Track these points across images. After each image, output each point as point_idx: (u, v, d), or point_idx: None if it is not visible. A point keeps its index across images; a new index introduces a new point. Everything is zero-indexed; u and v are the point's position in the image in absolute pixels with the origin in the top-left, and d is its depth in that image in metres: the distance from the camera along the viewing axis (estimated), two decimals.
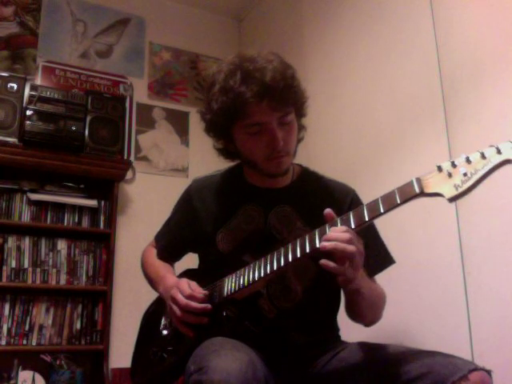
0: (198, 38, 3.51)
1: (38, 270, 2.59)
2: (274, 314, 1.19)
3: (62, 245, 2.69)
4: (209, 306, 1.12)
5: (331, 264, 0.94)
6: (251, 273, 1.10)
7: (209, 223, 1.29)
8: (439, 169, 0.85)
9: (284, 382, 1.14)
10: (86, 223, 2.77)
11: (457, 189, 0.81)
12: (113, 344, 2.64)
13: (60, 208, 2.71)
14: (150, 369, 1.25)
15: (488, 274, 1.57)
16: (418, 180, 0.87)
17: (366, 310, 1.14)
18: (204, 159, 2.98)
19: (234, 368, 0.87)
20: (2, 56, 2.87)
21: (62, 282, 2.63)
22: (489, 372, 0.92)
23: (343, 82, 2.42)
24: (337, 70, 2.47)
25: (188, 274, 1.31)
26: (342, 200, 1.25)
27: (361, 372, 1.05)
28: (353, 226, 0.95)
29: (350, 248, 0.92)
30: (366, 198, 1.17)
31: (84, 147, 2.68)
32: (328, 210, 0.99)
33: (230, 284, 1.14)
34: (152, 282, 1.36)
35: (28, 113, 2.58)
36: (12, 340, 2.46)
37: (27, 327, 2.51)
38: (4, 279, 2.50)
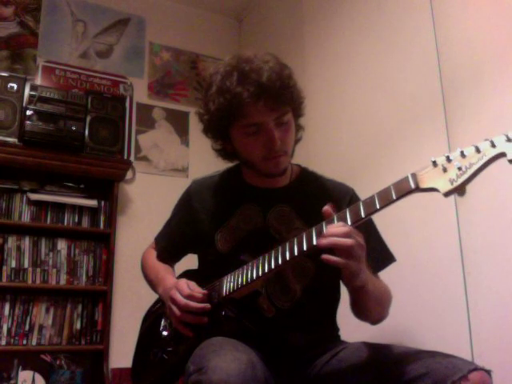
0: (198, 38, 3.51)
1: (38, 270, 2.59)
2: (273, 314, 1.19)
3: (62, 245, 2.69)
4: (208, 305, 1.12)
5: (332, 258, 0.94)
6: (249, 272, 1.10)
7: (208, 223, 1.29)
8: (434, 164, 0.85)
9: (283, 381, 1.14)
10: (85, 223, 2.77)
11: (452, 183, 0.81)
12: (113, 344, 2.64)
13: (60, 208, 2.71)
14: (150, 369, 1.25)
15: (488, 274, 1.57)
16: (414, 175, 0.87)
17: (373, 308, 1.13)
18: (204, 159, 2.97)
19: (233, 368, 0.87)
20: (2, 56, 2.87)
21: (62, 282, 2.63)
22: (489, 372, 0.92)
23: (343, 81, 2.41)
24: (337, 70, 2.47)
25: (187, 274, 1.31)
26: (341, 199, 1.25)
27: (360, 372, 1.05)
28: (349, 223, 0.95)
29: (348, 241, 0.92)
30: (365, 197, 1.17)
31: (84, 147, 2.69)
32: (326, 207, 1.00)
33: (228, 283, 1.14)
34: (152, 283, 1.36)
35: (28, 113, 2.58)
36: (12, 340, 2.47)
37: (27, 327, 2.51)
38: (4, 279, 2.50)
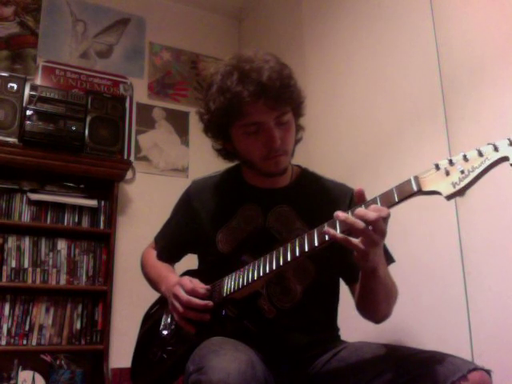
0: (197, 38, 3.51)
1: (38, 270, 2.59)
2: (274, 314, 1.19)
3: (62, 245, 2.69)
4: (210, 302, 1.12)
5: (335, 233, 0.92)
6: (250, 272, 1.10)
7: (208, 224, 1.29)
8: (437, 167, 0.85)
9: (284, 381, 1.14)
10: (85, 223, 2.77)
11: (454, 186, 0.81)
12: (113, 344, 2.65)
13: (60, 208, 2.72)
14: (150, 369, 1.25)
15: (488, 274, 1.57)
16: (416, 178, 0.87)
17: (382, 300, 1.11)
18: (204, 159, 2.97)
19: (233, 368, 0.87)
20: (2, 56, 2.87)
21: (62, 282, 2.64)
22: (488, 372, 0.92)
23: (343, 81, 2.41)
24: (337, 70, 2.47)
25: (188, 274, 1.30)
26: (342, 200, 1.25)
27: (360, 372, 1.05)
28: None
29: (359, 223, 0.89)
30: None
31: (84, 147, 2.69)
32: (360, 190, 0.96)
33: (229, 284, 1.14)
34: (154, 282, 1.36)
35: (28, 113, 2.58)
36: (12, 340, 2.47)
37: (27, 327, 2.51)
38: (4, 279, 2.50)
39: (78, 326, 2.61)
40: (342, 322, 1.29)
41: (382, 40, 2.17)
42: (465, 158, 0.82)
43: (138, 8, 3.35)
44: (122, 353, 2.56)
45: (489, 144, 0.80)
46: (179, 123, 3.28)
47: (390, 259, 1.26)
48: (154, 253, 1.44)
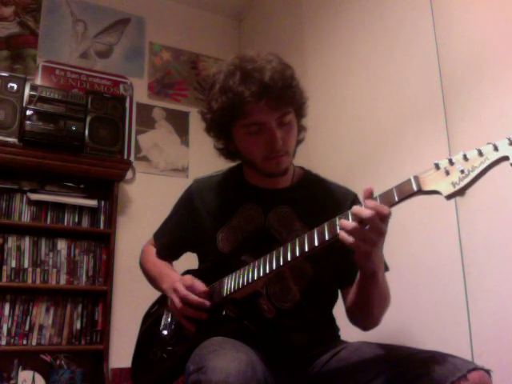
0: (198, 38, 3.51)
1: (38, 270, 2.59)
2: (274, 314, 1.19)
3: (62, 245, 2.69)
4: (207, 302, 1.12)
5: (341, 232, 0.92)
6: (250, 272, 1.10)
7: (209, 223, 1.30)
8: (437, 166, 0.85)
9: (283, 381, 1.14)
10: (86, 223, 2.77)
11: (454, 186, 0.81)
12: (113, 344, 2.64)
13: (60, 208, 2.72)
14: (150, 369, 1.25)
15: (488, 274, 1.57)
16: (416, 178, 0.87)
17: (375, 305, 1.11)
18: (204, 159, 2.97)
19: (233, 368, 0.87)
20: (2, 56, 2.87)
21: (62, 282, 2.64)
22: (488, 372, 0.92)
23: (343, 81, 2.42)
24: (337, 70, 2.47)
25: (188, 274, 1.31)
26: (343, 203, 1.25)
27: (360, 372, 1.05)
28: None
29: (348, 223, 0.90)
30: None
31: (84, 147, 2.69)
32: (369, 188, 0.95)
33: (229, 284, 1.15)
34: (154, 279, 1.36)
35: (28, 113, 2.58)
36: (12, 340, 2.47)
37: (27, 327, 2.51)
38: (4, 279, 2.50)
39: (78, 326, 2.61)
40: (342, 322, 1.29)
41: (382, 40, 2.17)
42: (465, 158, 0.82)
43: (137, 8, 3.35)
44: (122, 353, 2.56)
45: (489, 144, 0.80)
46: (179, 123, 3.28)
47: (385, 267, 1.26)
48: (153, 250, 1.44)
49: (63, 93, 2.73)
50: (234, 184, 1.33)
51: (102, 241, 2.78)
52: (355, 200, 1.28)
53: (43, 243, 2.65)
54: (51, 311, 2.59)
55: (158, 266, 1.38)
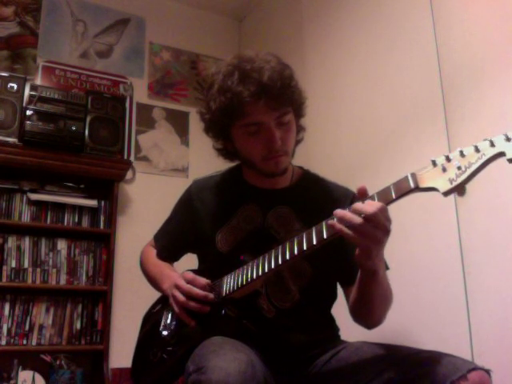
0: (198, 38, 3.51)
1: (38, 270, 2.59)
2: (273, 314, 1.19)
3: (62, 245, 2.69)
4: (211, 294, 1.13)
5: (338, 225, 0.92)
6: (249, 272, 1.10)
7: (209, 223, 1.30)
8: (434, 163, 0.85)
9: (283, 381, 1.14)
10: (86, 223, 2.77)
11: (451, 183, 0.82)
12: (113, 344, 2.64)
13: (60, 208, 2.71)
14: (150, 369, 1.25)
15: (488, 274, 1.57)
16: (413, 175, 0.87)
17: (378, 303, 1.10)
18: (204, 159, 2.97)
19: (233, 368, 0.87)
20: (2, 56, 2.87)
21: (62, 282, 2.64)
22: (488, 371, 0.92)
23: (343, 81, 2.42)
24: (337, 70, 2.47)
25: None
26: (342, 203, 1.24)
27: (360, 372, 1.05)
28: None
29: (357, 219, 0.89)
30: None
31: (84, 147, 2.68)
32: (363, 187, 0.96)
33: (228, 283, 1.15)
34: (155, 280, 1.36)
35: (28, 113, 2.58)
36: (12, 340, 2.46)
37: (27, 327, 2.51)
38: (4, 279, 2.50)
39: (78, 326, 2.61)
40: (342, 322, 1.29)
41: (382, 40, 2.17)
42: (461, 154, 0.82)
43: (138, 8, 3.35)
44: (121, 353, 2.56)
45: (485, 140, 0.80)
46: (179, 123, 3.28)
47: (385, 266, 1.26)
48: (153, 251, 1.44)
49: (63, 93, 2.73)
50: (233, 184, 1.33)
51: (102, 241, 2.78)
52: (354, 200, 1.28)
53: (43, 243, 2.65)
54: (51, 311, 2.59)
55: (159, 266, 1.38)
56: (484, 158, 0.79)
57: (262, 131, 1.15)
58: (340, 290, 1.30)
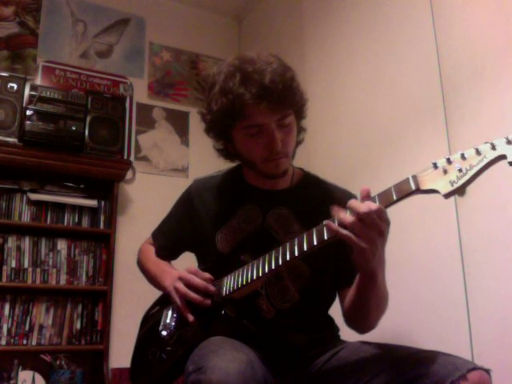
0: (198, 38, 3.51)
1: (38, 270, 2.59)
2: (273, 314, 1.19)
3: (62, 245, 2.69)
4: (212, 287, 1.14)
5: (334, 226, 0.92)
6: (249, 272, 1.10)
7: (208, 223, 1.30)
8: (435, 166, 0.86)
9: (283, 382, 1.14)
10: (86, 223, 2.77)
11: (452, 185, 0.82)
12: (113, 344, 2.64)
13: (60, 208, 2.72)
14: (150, 369, 1.25)
15: (488, 274, 1.57)
16: (414, 177, 0.87)
17: (373, 307, 1.10)
18: (204, 159, 2.96)
19: (232, 368, 0.87)
20: (2, 56, 2.87)
21: (62, 282, 2.64)
22: (488, 371, 0.92)
23: (343, 82, 2.42)
24: (337, 70, 2.47)
25: None
26: (342, 205, 1.25)
27: (360, 371, 1.05)
28: None
29: (349, 218, 0.90)
30: None
31: (84, 147, 2.68)
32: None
33: (228, 284, 1.15)
34: (156, 278, 1.35)
35: (28, 113, 2.58)
36: (12, 340, 2.47)
37: (27, 327, 2.51)
38: (4, 279, 2.50)
39: (78, 325, 2.61)
40: (342, 322, 1.29)
41: (382, 40, 2.17)
42: (462, 157, 0.82)
43: (138, 8, 3.35)
44: (121, 353, 2.56)
45: (486, 142, 0.80)
46: (179, 123, 3.28)
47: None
48: (152, 249, 1.44)
49: (63, 93, 2.73)
50: (233, 185, 1.33)
51: (101, 241, 2.78)
52: None
53: (43, 243, 2.65)
54: (51, 311, 2.59)
55: (159, 264, 1.38)
56: (485, 161, 0.79)
57: (262, 133, 1.15)
58: None
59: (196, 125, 3.06)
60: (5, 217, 2.58)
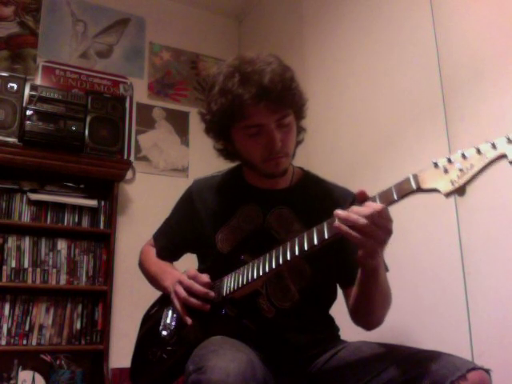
0: (197, 38, 3.52)
1: (38, 270, 2.59)
2: (273, 314, 1.19)
3: (62, 245, 2.69)
4: (212, 292, 1.13)
5: (344, 227, 0.92)
6: (250, 272, 1.10)
7: (209, 223, 1.30)
8: (435, 165, 0.86)
9: (283, 381, 1.14)
10: (86, 223, 2.77)
11: (453, 184, 0.82)
12: (113, 344, 2.64)
13: (60, 208, 2.71)
14: (150, 369, 1.25)
15: (488, 274, 1.57)
16: (415, 176, 0.88)
17: (378, 304, 1.11)
18: (204, 159, 2.96)
19: (232, 368, 0.87)
20: (2, 56, 2.87)
21: (62, 282, 2.64)
22: (488, 371, 0.92)
23: (343, 82, 2.42)
24: (337, 70, 2.47)
25: None
26: (342, 204, 1.24)
27: (360, 371, 1.05)
28: None
29: (361, 220, 0.90)
30: None
31: (84, 147, 2.68)
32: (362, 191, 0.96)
33: (229, 283, 1.15)
34: (156, 278, 1.36)
35: (28, 113, 2.58)
36: (12, 340, 2.46)
37: (27, 327, 2.51)
38: (4, 279, 2.50)
39: (78, 325, 2.61)
40: (342, 322, 1.29)
41: (382, 40, 2.17)
42: (463, 156, 0.82)
43: (138, 8, 3.35)
44: (122, 353, 2.56)
45: (487, 142, 0.80)
46: (179, 123, 3.28)
47: (385, 268, 1.26)
48: (153, 250, 1.44)
49: (63, 93, 2.73)
50: (233, 184, 1.34)
51: (101, 241, 2.78)
52: (354, 200, 1.28)
53: (43, 243, 2.65)
54: (51, 311, 2.59)
55: (160, 265, 1.38)
56: (486, 160, 0.80)
57: (262, 133, 1.15)
58: (340, 291, 1.30)
59: (196, 125, 3.05)
60: (5, 217, 2.58)
